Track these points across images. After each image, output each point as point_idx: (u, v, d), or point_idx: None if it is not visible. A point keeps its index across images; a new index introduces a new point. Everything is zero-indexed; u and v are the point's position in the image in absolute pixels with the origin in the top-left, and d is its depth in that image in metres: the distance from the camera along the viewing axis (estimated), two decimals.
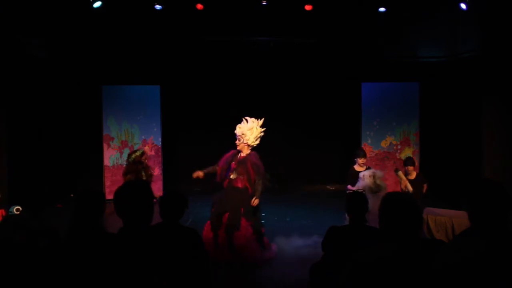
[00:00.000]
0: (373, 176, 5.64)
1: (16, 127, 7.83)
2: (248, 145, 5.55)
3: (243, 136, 5.51)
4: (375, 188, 5.51)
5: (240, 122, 5.63)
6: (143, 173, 5.62)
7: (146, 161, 5.63)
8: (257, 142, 5.62)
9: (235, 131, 5.56)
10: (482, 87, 8.03)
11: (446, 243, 2.09)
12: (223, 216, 5.34)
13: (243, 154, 5.55)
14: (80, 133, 9.52)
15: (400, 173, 6.12)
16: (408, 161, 6.23)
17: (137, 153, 5.72)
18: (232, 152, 5.64)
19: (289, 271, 5.09)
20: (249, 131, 5.52)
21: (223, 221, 5.33)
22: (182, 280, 2.78)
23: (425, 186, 6.17)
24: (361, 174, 5.81)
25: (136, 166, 5.52)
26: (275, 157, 5.91)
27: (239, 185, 5.46)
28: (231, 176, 5.48)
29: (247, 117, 5.64)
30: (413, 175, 6.15)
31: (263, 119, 5.65)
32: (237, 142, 5.54)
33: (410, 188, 6.01)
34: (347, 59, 9.70)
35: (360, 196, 3.51)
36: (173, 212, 3.06)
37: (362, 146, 9.22)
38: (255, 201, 5.35)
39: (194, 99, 10.34)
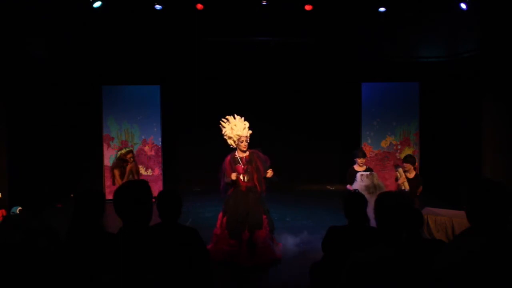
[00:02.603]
0: (371, 176, 5.66)
1: (16, 127, 7.83)
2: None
3: (248, 136, 5.47)
4: (373, 189, 5.51)
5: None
6: (128, 170, 5.60)
7: (132, 159, 5.65)
8: None
9: (239, 133, 5.43)
10: (482, 87, 8.03)
11: (446, 243, 2.09)
12: (245, 219, 5.29)
13: (245, 154, 5.50)
14: (80, 133, 9.53)
15: (401, 169, 6.16)
16: (407, 159, 6.25)
17: (123, 151, 5.76)
18: (229, 157, 5.54)
19: (289, 271, 5.09)
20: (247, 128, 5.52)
21: (245, 223, 5.28)
22: (182, 280, 2.78)
23: (420, 187, 6.16)
24: (357, 175, 5.82)
25: (121, 163, 5.56)
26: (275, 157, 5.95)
27: (251, 184, 5.44)
28: (245, 179, 5.43)
29: (228, 117, 5.57)
30: (412, 174, 6.15)
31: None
32: (245, 144, 5.43)
33: (406, 186, 6.03)
34: (347, 59, 9.70)
35: (357, 196, 3.49)
36: (170, 211, 3.05)
37: (362, 146, 9.23)
38: (269, 172, 5.34)
39: (194, 99, 10.35)
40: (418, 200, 6.11)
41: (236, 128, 5.46)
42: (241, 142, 5.45)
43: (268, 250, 5.32)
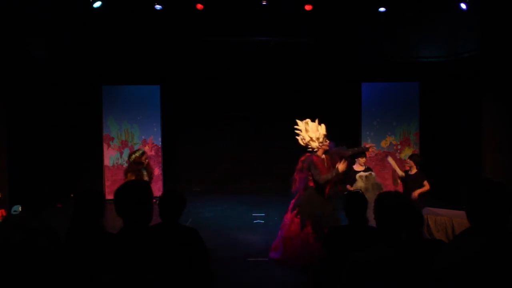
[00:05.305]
0: (370, 176, 5.67)
1: (16, 127, 7.84)
2: None
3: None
4: (371, 189, 5.52)
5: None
6: (144, 173, 5.60)
7: (147, 161, 5.63)
8: None
9: (322, 132, 5.51)
10: (482, 87, 8.04)
11: (446, 243, 2.09)
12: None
13: (325, 156, 5.49)
14: (80, 133, 9.54)
15: (390, 158, 6.24)
16: (411, 157, 6.40)
17: (137, 154, 5.73)
18: (303, 159, 5.54)
19: (290, 270, 5.09)
20: None
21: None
22: (182, 280, 2.77)
23: (425, 183, 6.13)
24: (357, 176, 5.84)
25: (136, 166, 5.52)
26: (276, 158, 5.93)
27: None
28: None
29: (298, 125, 5.65)
30: (413, 171, 6.19)
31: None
32: (326, 143, 5.50)
33: (399, 172, 6.13)
34: (347, 59, 9.71)
35: (357, 196, 3.48)
36: (172, 211, 3.05)
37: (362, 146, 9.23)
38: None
39: (194, 99, 10.35)
40: (417, 199, 6.04)
41: (312, 130, 5.50)
42: (324, 143, 5.47)
43: None
